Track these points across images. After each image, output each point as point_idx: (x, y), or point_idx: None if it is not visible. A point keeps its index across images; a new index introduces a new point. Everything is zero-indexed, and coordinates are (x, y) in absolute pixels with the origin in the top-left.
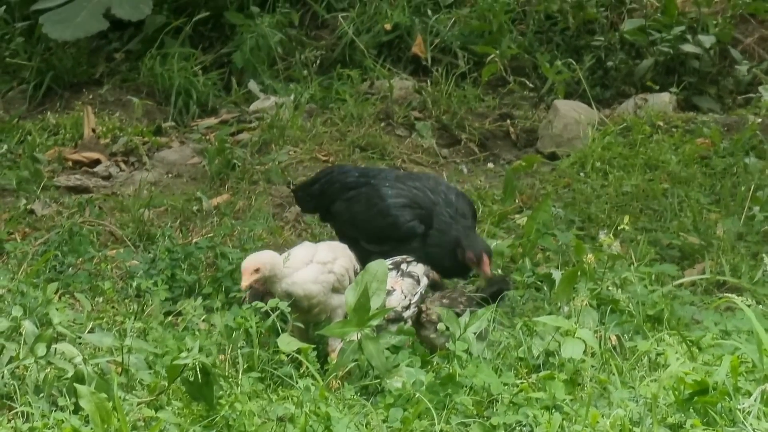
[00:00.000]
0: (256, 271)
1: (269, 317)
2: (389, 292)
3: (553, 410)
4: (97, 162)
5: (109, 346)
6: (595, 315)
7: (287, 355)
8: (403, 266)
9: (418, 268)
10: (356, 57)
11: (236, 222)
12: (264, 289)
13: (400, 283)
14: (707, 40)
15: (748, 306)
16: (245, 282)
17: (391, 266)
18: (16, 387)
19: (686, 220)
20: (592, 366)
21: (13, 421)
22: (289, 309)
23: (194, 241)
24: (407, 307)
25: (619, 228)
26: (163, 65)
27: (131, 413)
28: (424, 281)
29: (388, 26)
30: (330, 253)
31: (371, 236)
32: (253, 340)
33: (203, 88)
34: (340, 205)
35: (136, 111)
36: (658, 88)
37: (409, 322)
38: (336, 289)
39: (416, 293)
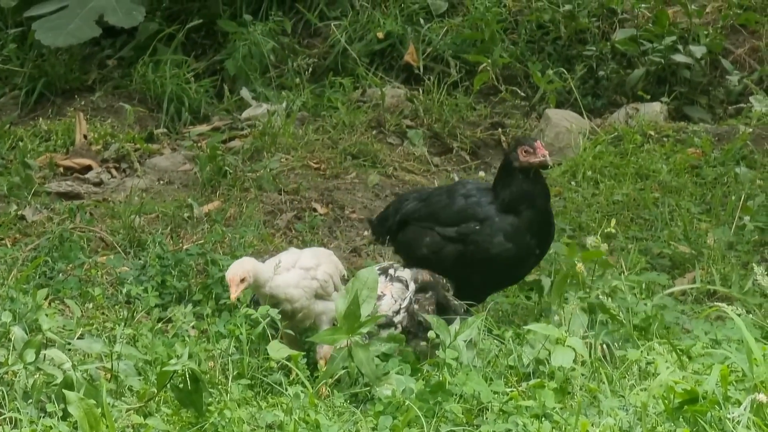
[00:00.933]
0: (242, 280)
1: (259, 324)
2: (380, 297)
3: (543, 419)
4: (89, 168)
5: (98, 353)
6: (585, 323)
7: (277, 363)
8: (391, 271)
9: (406, 273)
10: (348, 65)
11: (227, 229)
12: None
13: (390, 288)
14: (698, 50)
15: (739, 315)
16: (234, 293)
17: (378, 271)
18: (5, 393)
19: (677, 229)
20: (582, 374)
21: (1, 427)
22: (280, 316)
23: (185, 247)
24: (397, 312)
25: (605, 231)
26: (156, 72)
27: (120, 420)
28: (413, 286)
29: (380, 35)
30: (313, 260)
31: (449, 220)
32: (243, 347)
33: (195, 95)
34: (415, 205)
35: (128, 117)
36: (649, 97)
37: (399, 328)
38: (320, 296)
39: (405, 298)
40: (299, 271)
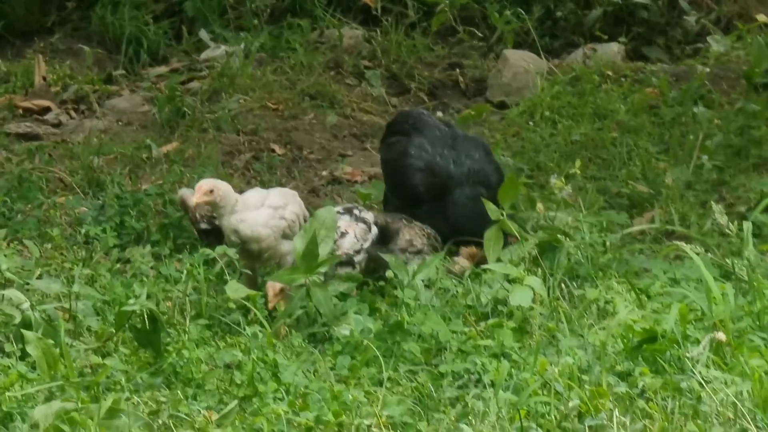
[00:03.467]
0: (210, 192)
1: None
2: (343, 235)
3: (502, 358)
4: (48, 110)
5: (56, 293)
6: (544, 263)
7: (235, 303)
8: (356, 212)
9: (369, 215)
10: (306, 6)
11: (185, 169)
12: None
13: (354, 228)
14: None
15: (697, 254)
16: (197, 198)
17: (342, 211)
18: None
19: (635, 168)
20: (541, 314)
21: None
22: (238, 256)
23: (143, 188)
24: (358, 252)
25: (570, 172)
26: (114, 14)
27: (78, 360)
28: (375, 229)
29: None
30: (281, 199)
31: (389, 187)
32: (201, 287)
33: (154, 37)
34: (383, 148)
35: (86, 59)
36: (606, 38)
37: (358, 268)
38: (286, 236)
39: (367, 239)
40: (268, 210)
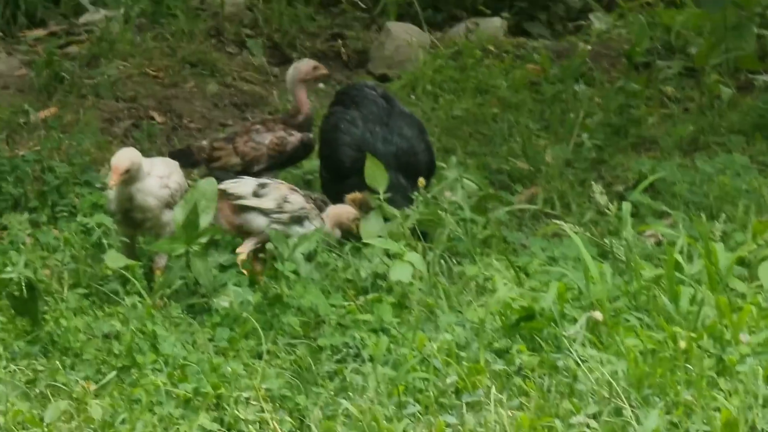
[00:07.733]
0: (127, 171)
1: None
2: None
3: (381, 333)
4: None
5: None
6: (424, 239)
7: (114, 272)
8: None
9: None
10: None
11: (64, 136)
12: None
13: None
14: None
15: (576, 233)
16: (114, 180)
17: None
18: None
19: (516, 145)
20: (420, 289)
21: None
22: (116, 226)
23: (21, 154)
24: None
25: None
26: None
27: None
28: None
29: None
30: (166, 168)
31: (320, 157)
32: (79, 255)
33: None
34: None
35: None
36: (489, 12)
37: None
38: (169, 205)
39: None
40: (155, 178)
